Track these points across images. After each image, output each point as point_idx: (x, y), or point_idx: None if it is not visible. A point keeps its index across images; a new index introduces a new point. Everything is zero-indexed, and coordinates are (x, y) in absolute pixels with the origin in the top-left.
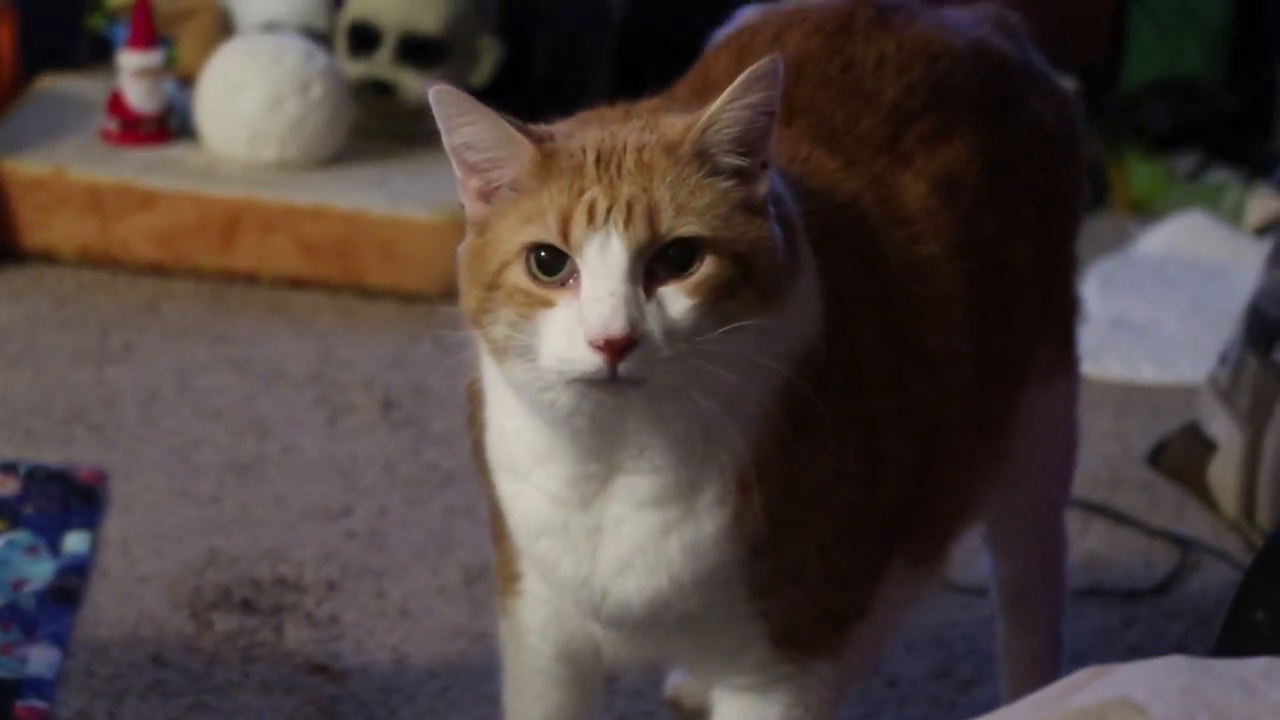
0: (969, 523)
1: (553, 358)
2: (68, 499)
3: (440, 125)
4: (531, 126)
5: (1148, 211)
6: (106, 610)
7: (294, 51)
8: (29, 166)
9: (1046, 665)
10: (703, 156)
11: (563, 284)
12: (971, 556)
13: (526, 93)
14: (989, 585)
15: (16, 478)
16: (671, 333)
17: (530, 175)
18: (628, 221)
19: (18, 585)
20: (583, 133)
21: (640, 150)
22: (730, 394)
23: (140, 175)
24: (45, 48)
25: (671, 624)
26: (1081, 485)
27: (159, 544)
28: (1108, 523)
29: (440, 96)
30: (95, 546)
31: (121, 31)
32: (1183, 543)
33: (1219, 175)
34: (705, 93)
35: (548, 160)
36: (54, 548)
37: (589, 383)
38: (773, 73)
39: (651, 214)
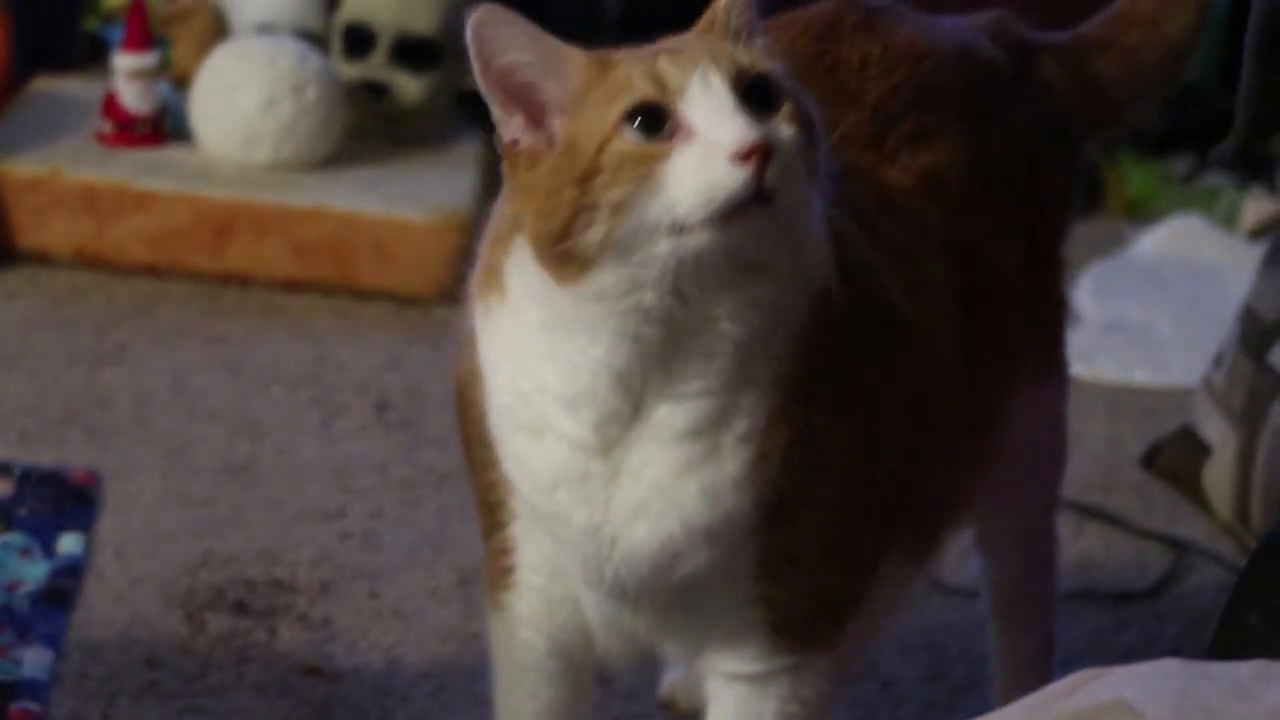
0: (960, 520)
1: (691, 194)
2: (62, 500)
3: (479, 51)
4: None
5: (1143, 214)
6: (100, 612)
7: (289, 53)
8: (24, 168)
9: (1039, 668)
10: (735, 35)
11: (670, 139)
12: (963, 558)
13: None
14: (981, 588)
15: (11, 479)
16: (789, 145)
17: (589, 77)
18: (715, 62)
19: (12, 587)
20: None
21: (684, 40)
22: (791, 277)
23: (135, 176)
24: (41, 49)
25: (675, 593)
26: (1075, 488)
27: (153, 545)
28: (1102, 525)
29: (484, 18)
30: (89, 548)
31: (117, 33)
32: (1177, 545)
33: (1214, 178)
34: None
35: (600, 61)
36: (48, 549)
37: (730, 214)
38: None
39: (731, 58)
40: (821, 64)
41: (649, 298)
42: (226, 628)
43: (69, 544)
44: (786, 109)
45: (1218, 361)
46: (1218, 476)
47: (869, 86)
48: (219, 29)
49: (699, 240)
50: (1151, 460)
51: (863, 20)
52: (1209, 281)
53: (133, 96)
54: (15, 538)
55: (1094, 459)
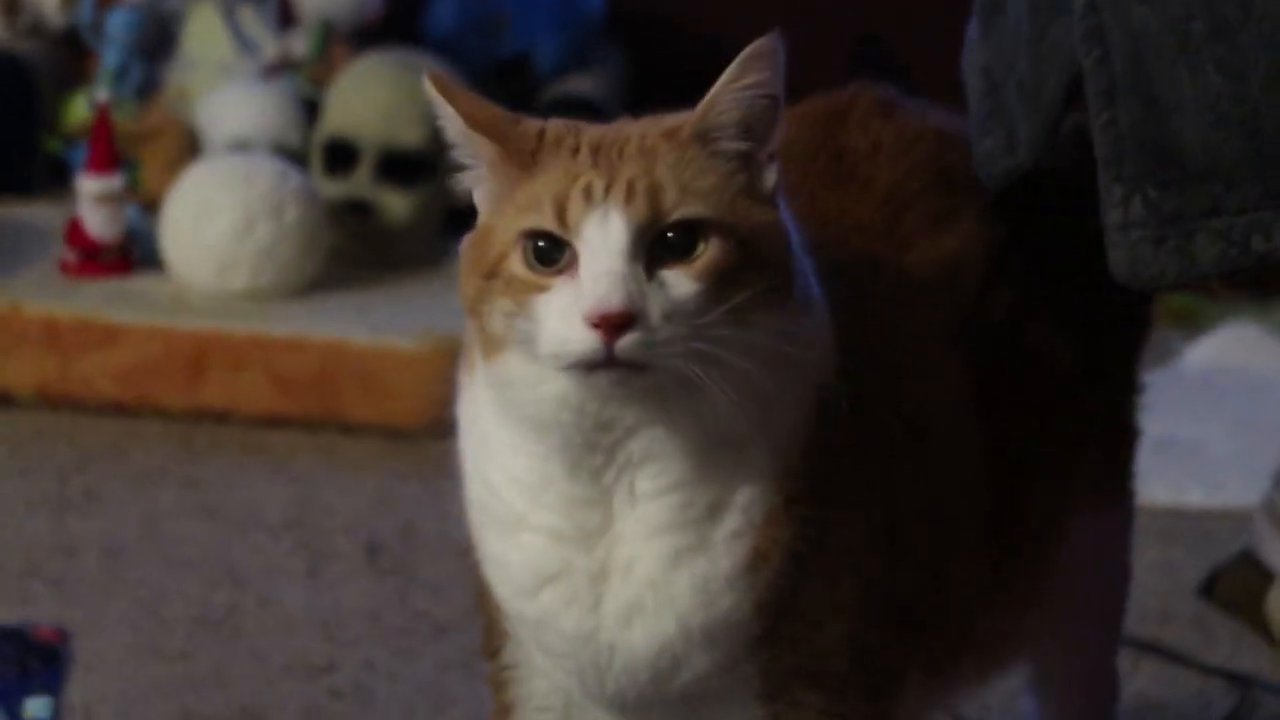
0: (1004, 650)
1: (550, 341)
2: (26, 660)
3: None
4: (524, 118)
5: (1191, 324)
6: None
7: (266, 172)
8: None
9: None
10: (704, 139)
11: (560, 272)
12: (1010, 699)
13: None
14: None
15: None
16: (671, 315)
17: (512, 171)
18: (628, 199)
19: None
20: (581, 130)
21: (643, 138)
22: (754, 397)
23: (102, 309)
24: None
25: (679, 706)
26: (1129, 621)
27: (126, 706)
28: (1158, 661)
29: (429, 84)
30: (58, 711)
31: (80, 154)
32: (1241, 681)
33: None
34: None
35: (537, 150)
36: (14, 715)
37: (587, 368)
38: (771, 51)
39: (653, 194)
40: (827, 151)
41: (550, 388)
42: None
43: (36, 708)
44: (702, 261)
45: (1278, 480)
46: None
47: (880, 173)
48: (190, 148)
49: (571, 377)
50: (1210, 589)
51: (876, 106)
52: (1266, 393)
53: (98, 222)
54: None
55: (1148, 589)
